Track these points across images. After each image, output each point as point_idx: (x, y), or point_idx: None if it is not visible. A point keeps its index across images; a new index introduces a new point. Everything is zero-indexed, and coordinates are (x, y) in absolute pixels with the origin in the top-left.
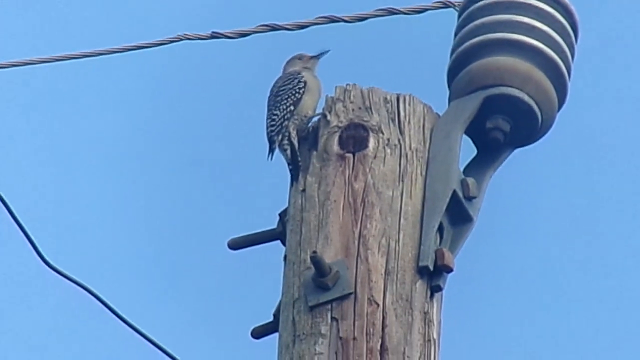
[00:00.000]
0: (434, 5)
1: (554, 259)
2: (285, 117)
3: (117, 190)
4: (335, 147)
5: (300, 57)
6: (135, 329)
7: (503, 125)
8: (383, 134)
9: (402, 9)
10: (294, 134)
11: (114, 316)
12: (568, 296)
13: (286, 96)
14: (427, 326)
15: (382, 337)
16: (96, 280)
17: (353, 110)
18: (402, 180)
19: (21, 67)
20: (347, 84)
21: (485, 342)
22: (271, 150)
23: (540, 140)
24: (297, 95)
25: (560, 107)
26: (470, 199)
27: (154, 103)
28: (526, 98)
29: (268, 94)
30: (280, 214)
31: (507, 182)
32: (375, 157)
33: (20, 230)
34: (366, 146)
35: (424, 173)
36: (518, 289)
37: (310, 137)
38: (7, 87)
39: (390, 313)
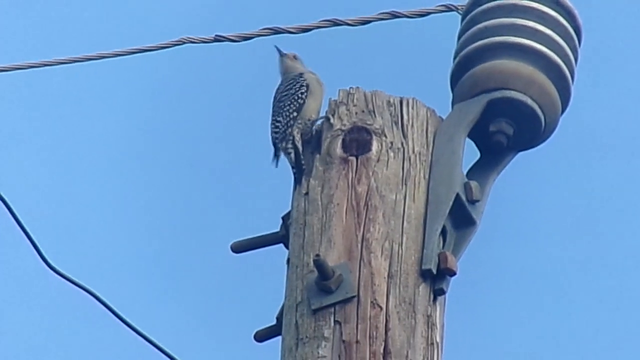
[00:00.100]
0: (437, 8)
1: (557, 262)
2: (289, 123)
3: (120, 193)
4: (338, 150)
5: (295, 57)
6: (139, 332)
7: (506, 128)
8: (386, 137)
9: (405, 13)
10: (298, 137)
11: (117, 319)
12: (571, 299)
13: (289, 102)
14: (430, 329)
15: (385, 341)
16: (99, 283)
17: (356, 113)
18: (405, 184)
19: (25, 70)
20: (350, 87)
21: (488, 345)
22: (276, 156)
23: (544, 144)
24: (300, 100)
25: (563, 110)
26: (473, 202)
27: (158, 106)
28: (529, 101)
29: (272, 99)
30: (283, 217)
31: (511, 185)
32: (378, 160)
33: (23, 233)
34: (369, 149)
35: (427, 176)
36: (521, 292)
37: (313, 141)
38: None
39: (393, 316)
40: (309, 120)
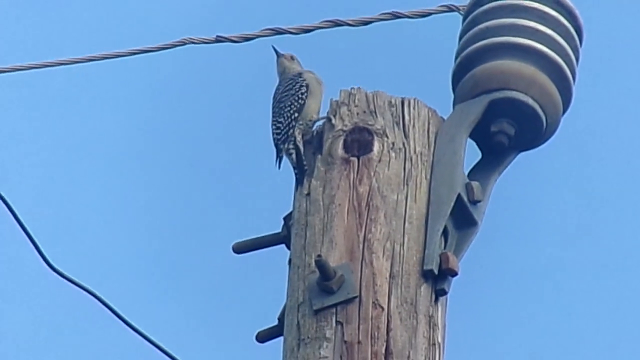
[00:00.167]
0: (439, 9)
1: (559, 262)
2: (290, 124)
3: (122, 194)
4: (339, 150)
5: (293, 57)
6: (140, 332)
7: (508, 129)
8: (388, 137)
9: (406, 13)
10: (299, 137)
11: (118, 320)
12: (573, 299)
13: (289, 102)
14: (431, 330)
15: (387, 341)
16: (100, 283)
17: (358, 114)
18: (407, 184)
19: (25, 71)
20: (351, 88)
21: (489, 345)
22: (279, 158)
23: (545, 144)
24: (300, 101)
25: (564, 110)
26: (474, 202)
27: (159, 106)
28: (531, 102)
29: (271, 101)
30: (284, 218)
31: (512, 185)
32: (379, 160)
33: (24, 233)
34: (371, 150)
35: (428, 177)
36: (523, 292)
37: (315, 141)
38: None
39: (394, 317)
40: (310, 120)
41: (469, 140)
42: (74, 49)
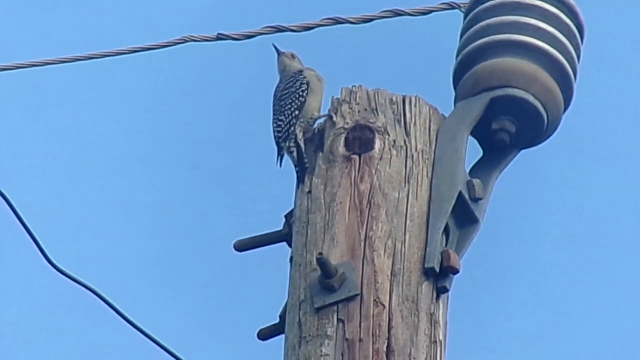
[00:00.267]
0: (440, 6)
1: (560, 260)
2: (291, 122)
3: (123, 191)
4: (341, 148)
5: (293, 55)
6: (142, 330)
7: (509, 126)
8: (389, 135)
9: (407, 11)
10: (300, 135)
11: (120, 318)
12: (574, 297)
13: (290, 100)
14: (433, 327)
15: (388, 339)
16: (102, 281)
17: (359, 111)
18: (408, 182)
19: (26, 69)
20: (352, 86)
21: (491, 343)
22: (280, 156)
23: (546, 142)
24: (301, 99)
25: (566, 108)
26: (476, 200)
27: (160, 104)
28: (532, 99)
29: (272, 99)
30: (286, 216)
31: (513, 183)
32: (381, 158)
33: (25, 232)
34: (372, 147)
35: (429, 174)
36: (524, 290)
37: (316, 139)
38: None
39: (396, 314)
40: (310, 118)
41: (470, 138)
42: (75, 46)
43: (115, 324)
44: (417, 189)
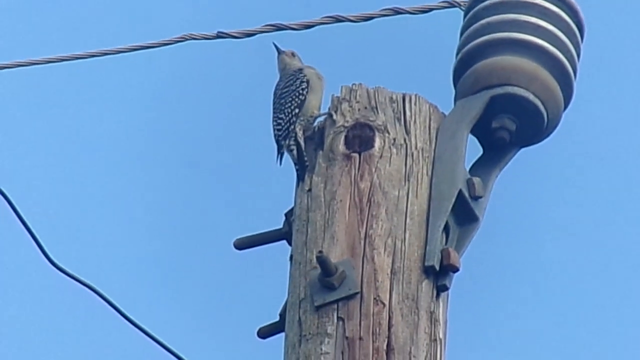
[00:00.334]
0: (440, 4)
1: (560, 258)
2: (291, 120)
3: (123, 190)
4: (341, 146)
5: (293, 54)
6: (142, 328)
7: (509, 124)
8: (389, 133)
9: (407, 9)
10: (300, 133)
11: (120, 316)
12: (574, 295)
13: (290, 99)
14: (433, 326)
15: (388, 337)
16: (101, 279)
17: (359, 110)
18: (408, 180)
19: (27, 67)
20: (353, 84)
21: (491, 341)
22: (280, 154)
23: (546, 140)
24: (301, 97)
25: (566, 106)
26: (476, 198)
27: (160, 103)
28: (532, 97)
29: (272, 97)
30: (286, 214)
31: (513, 181)
32: (381, 156)
33: (25, 230)
34: (372, 146)
35: (429, 173)
36: (524, 288)
37: (316, 137)
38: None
39: (396, 313)
40: (310, 116)
41: (470, 136)
42: (75, 45)
43: (115, 321)
44: (417, 187)
